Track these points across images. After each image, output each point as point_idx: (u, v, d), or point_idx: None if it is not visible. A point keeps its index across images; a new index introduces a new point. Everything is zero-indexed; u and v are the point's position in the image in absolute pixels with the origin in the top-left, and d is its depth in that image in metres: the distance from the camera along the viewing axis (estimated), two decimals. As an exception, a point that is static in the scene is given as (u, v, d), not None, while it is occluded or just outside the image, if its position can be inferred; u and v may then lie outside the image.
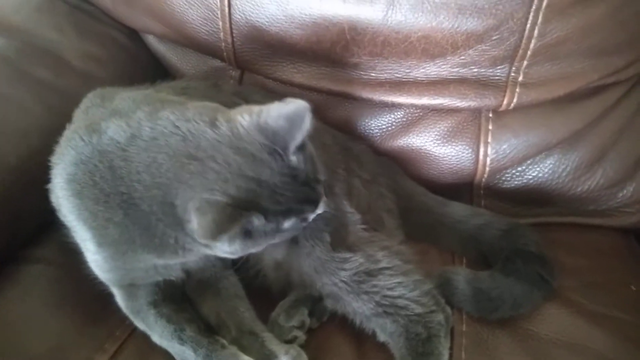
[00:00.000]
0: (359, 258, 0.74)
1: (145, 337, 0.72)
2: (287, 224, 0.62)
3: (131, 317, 0.73)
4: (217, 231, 0.56)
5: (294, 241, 0.76)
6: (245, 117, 0.60)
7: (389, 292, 0.72)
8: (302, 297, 0.76)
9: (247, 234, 0.59)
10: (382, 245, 0.77)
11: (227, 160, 0.58)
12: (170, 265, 0.69)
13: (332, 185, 0.81)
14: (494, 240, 0.82)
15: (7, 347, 0.70)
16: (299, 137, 0.60)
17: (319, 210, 0.65)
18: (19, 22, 0.96)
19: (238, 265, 0.78)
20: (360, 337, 0.73)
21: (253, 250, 0.63)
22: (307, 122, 0.60)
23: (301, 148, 0.62)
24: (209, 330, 0.71)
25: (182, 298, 0.75)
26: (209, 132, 0.59)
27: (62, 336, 0.72)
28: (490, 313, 0.73)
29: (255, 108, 0.61)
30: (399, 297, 0.71)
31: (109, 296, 0.74)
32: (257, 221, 0.59)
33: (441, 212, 0.88)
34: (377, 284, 0.72)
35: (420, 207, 0.90)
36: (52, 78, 0.90)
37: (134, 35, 1.09)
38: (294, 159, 0.60)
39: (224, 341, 0.68)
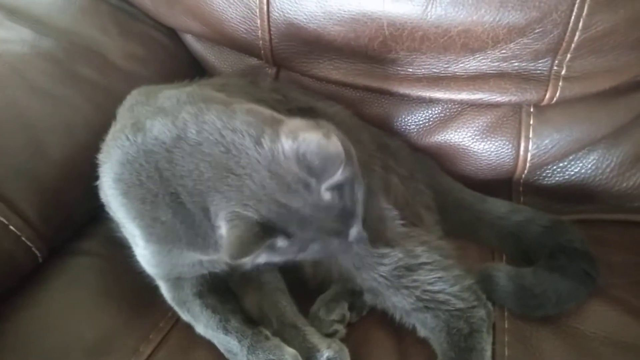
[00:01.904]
0: (398, 253, 0.73)
1: (188, 329, 0.74)
2: (313, 247, 0.62)
3: (177, 308, 0.74)
4: (242, 251, 0.57)
5: None
6: (289, 142, 0.59)
7: (429, 287, 0.71)
8: (342, 291, 0.77)
9: (271, 249, 0.60)
10: (421, 240, 0.77)
11: (263, 182, 0.58)
12: (215, 260, 0.71)
13: (368, 182, 0.81)
14: (536, 237, 0.81)
15: (54, 336, 0.73)
16: (333, 178, 0.59)
17: (352, 239, 0.64)
18: (65, 24, 0.99)
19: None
20: (400, 332, 0.72)
21: (274, 260, 0.63)
22: (340, 170, 0.59)
23: (339, 187, 0.60)
24: (252, 323, 0.72)
25: (226, 290, 0.76)
26: (252, 149, 0.59)
27: (108, 326, 0.75)
28: (534, 310, 0.72)
29: (300, 132, 0.59)
30: (440, 292, 0.71)
31: (153, 289, 0.76)
32: (281, 243, 0.59)
33: (480, 209, 0.87)
34: (417, 278, 0.72)
35: (458, 203, 0.89)
36: (98, 77, 0.93)
37: (173, 35, 1.12)
38: (327, 194, 0.59)
39: (268, 332, 0.69)
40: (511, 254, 0.84)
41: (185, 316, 0.74)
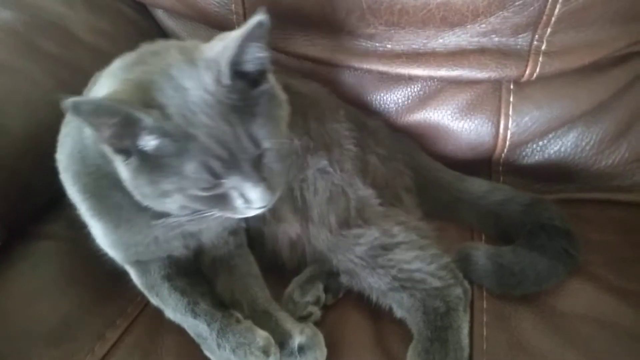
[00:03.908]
0: (374, 232, 0.72)
1: (157, 315, 0.71)
2: (190, 165, 0.53)
3: (146, 292, 0.72)
4: (81, 103, 0.50)
5: (305, 219, 0.74)
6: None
7: (406, 266, 0.69)
8: (317, 273, 0.75)
9: (141, 154, 0.54)
10: (399, 220, 0.75)
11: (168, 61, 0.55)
12: (171, 238, 0.68)
13: (340, 161, 0.78)
14: (516, 216, 0.79)
15: (16, 321, 0.70)
16: (244, 53, 0.54)
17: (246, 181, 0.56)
18: (27, -4, 0.94)
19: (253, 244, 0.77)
20: (377, 313, 0.71)
21: (156, 193, 0.56)
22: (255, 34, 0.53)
23: (253, 77, 0.56)
24: (223, 306, 0.70)
25: (196, 273, 0.74)
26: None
27: (72, 311, 0.72)
28: (513, 288, 0.70)
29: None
30: (416, 270, 0.69)
31: (120, 274, 0.73)
32: (151, 122, 0.51)
33: (459, 188, 0.85)
34: (392, 257, 0.70)
35: (437, 183, 0.87)
36: (60, 51, 0.89)
37: (143, 10, 1.07)
38: (228, 82, 0.54)
39: (239, 315, 0.67)
40: (490, 234, 0.82)
41: (154, 300, 0.71)
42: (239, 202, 0.58)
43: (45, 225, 0.82)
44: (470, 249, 0.75)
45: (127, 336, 0.70)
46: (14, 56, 0.84)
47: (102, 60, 0.94)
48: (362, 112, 0.90)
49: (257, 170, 0.56)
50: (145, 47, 0.62)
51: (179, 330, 0.69)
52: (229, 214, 0.60)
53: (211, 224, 0.70)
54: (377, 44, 0.88)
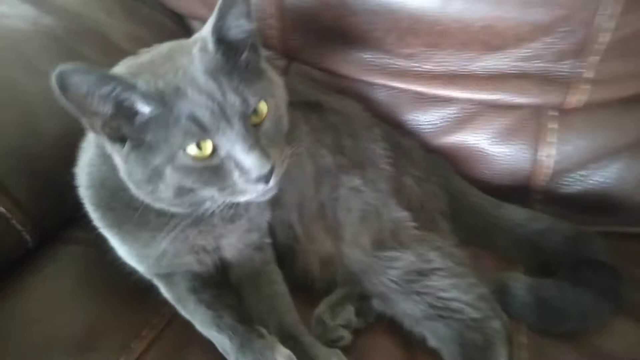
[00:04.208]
0: (410, 256, 0.69)
1: (184, 327, 0.69)
2: (179, 124, 0.53)
3: (175, 305, 0.70)
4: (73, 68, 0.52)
5: (337, 238, 0.73)
6: None
7: (442, 294, 0.67)
8: (349, 295, 0.72)
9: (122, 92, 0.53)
10: (435, 245, 0.72)
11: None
12: (181, 253, 0.67)
13: (375, 180, 0.77)
14: (558, 247, 0.76)
15: (41, 327, 0.68)
16: (226, 21, 0.56)
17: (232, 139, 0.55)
18: (70, 3, 0.95)
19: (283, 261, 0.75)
20: (409, 341, 0.68)
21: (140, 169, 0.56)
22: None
23: (238, 45, 0.57)
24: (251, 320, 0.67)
25: (224, 284, 0.72)
26: None
27: (98, 320, 0.70)
28: (556, 325, 0.67)
29: None
30: (453, 299, 0.67)
31: (147, 284, 0.72)
32: (139, 83, 0.53)
33: (496, 215, 0.83)
34: (429, 284, 0.67)
35: (473, 208, 0.84)
36: (99, 58, 0.89)
37: (180, 21, 1.08)
38: (211, 47, 0.56)
39: (264, 330, 0.64)
40: (529, 264, 0.79)
41: (183, 313, 0.70)
42: (235, 175, 0.56)
43: (75, 231, 0.81)
44: (508, 280, 0.72)
45: (153, 348, 0.67)
46: (54, 62, 0.84)
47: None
48: (397, 131, 0.89)
49: (250, 133, 0.55)
50: (142, 50, 0.64)
51: (207, 345, 0.66)
52: (228, 195, 0.58)
53: (231, 240, 0.69)
54: (414, 64, 0.87)
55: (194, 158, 0.54)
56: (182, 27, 1.08)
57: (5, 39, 0.82)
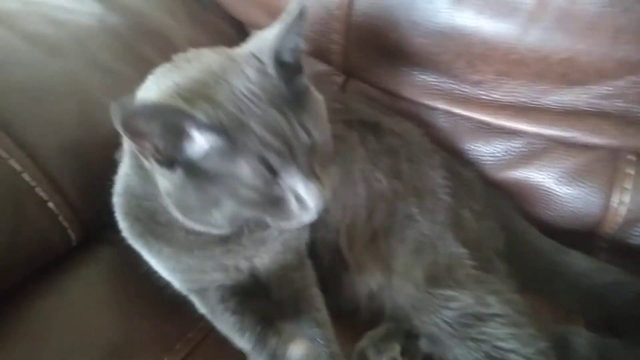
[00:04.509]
0: (467, 298, 0.64)
1: (218, 343, 0.66)
2: (245, 162, 0.50)
3: (210, 319, 0.68)
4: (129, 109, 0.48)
5: (388, 269, 0.68)
6: None
7: (501, 344, 0.62)
8: (395, 331, 0.68)
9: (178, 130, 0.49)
10: (493, 288, 0.67)
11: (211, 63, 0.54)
12: (208, 269, 0.64)
13: (432, 211, 0.72)
14: (627, 304, 0.70)
15: (75, 330, 0.67)
16: (285, 42, 0.52)
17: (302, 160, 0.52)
18: (136, 3, 0.95)
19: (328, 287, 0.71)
20: (457, 389, 0.63)
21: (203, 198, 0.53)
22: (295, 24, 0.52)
23: (292, 68, 0.54)
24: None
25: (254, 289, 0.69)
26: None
27: (132, 329, 0.68)
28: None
29: None
30: (512, 351, 0.61)
31: (184, 296, 0.69)
32: (202, 116, 0.48)
33: (559, 261, 0.77)
34: (487, 331, 0.62)
35: (533, 251, 0.79)
36: (159, 60, 0.87)
37: (240, 29, 1.07)
38: (272, 71, 0.52)
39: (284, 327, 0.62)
40: (591, 317, 0.73)
41: (216, 324, 0.67)
42: (292, 205, 0.53)
43: (117, 234, 0.80)
44: (570, 334, 0.66)
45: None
46: (116, 59, 0.84)
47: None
48: (456, 160, 0.84)
49: (311, 167, 0.53)
50: (178, 56, 0.60)
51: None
52: (280, 221, 0.55)
53: (264, 260, 0.66)
54: (481, 92, 0.83)
55: (258, 192, 0.52)
56: (241, 35, 1.06)
57: (71, 34, 0.82)
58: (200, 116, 0.48)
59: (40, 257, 0.70)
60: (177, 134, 0.49)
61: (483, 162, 0.87)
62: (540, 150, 0.83)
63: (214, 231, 0.58)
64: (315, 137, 0.53)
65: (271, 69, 0.52)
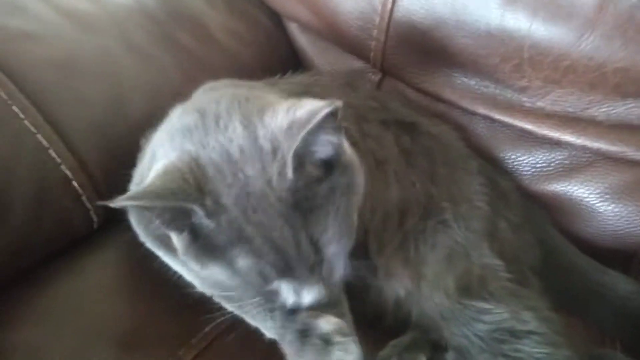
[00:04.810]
0: (502, 312, 0.61)
1: (237, 341, 0.63)
2: (241, 262, 0.48)
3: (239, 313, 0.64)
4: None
5: (417, 275, 0.65)
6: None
7: (536, 364, 0.58)
8: (420, 341, 0.65)
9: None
10: (529, 304, 0.63)
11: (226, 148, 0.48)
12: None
13: (467, 218, 0.69)
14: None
15: (90, 314, 0.65)
16: (311, 145, 0.46)
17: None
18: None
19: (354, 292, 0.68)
20: (485, 409, 0.59)
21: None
22: (320, 133, 0.46)
23: (321, 168, 0.49)
24: None
25: None
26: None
27: (148, 319, 0.66)
28: None
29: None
30: (547, 372, 0.58)
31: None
32: (200, 212, 0.46)
33: (598, 281, 0.73)
34: (521, 349, 0.59)
35: (571, 269, 0.75)
36: (195, 45, 0.87)
37: (278, 21, 1.05)
38: (291, 175, 0.46)
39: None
40: (629, 343, 0.69)
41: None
42: (290, 298, 0.51)
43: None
44: (606, 358, 0.62)
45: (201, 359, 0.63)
46: (150, 43, 0.83)
47: (231, 62, 0.92)
48: (493, 168, 0.81)
49: (314, 272, 0.49)
50: (207, 100, 0.55)
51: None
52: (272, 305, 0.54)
53: None
54: (525, 99, 0.79)
55: (250, 286, 0.50)
56: (278, 26, 1.05)
57: (108, 12, 0.81)
58: (201, 212, 0.46)
59: (62, 236, 0.69)
60: (182, 215, 0.47)
61: (522, 172, 0.83)
62: (584, 163, 0.79)
63: None
64: (325, 251, 0.49)
65: (290, 173, 0.46)
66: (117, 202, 0.45)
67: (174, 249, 0.58)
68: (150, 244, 0.64)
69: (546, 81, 0.75)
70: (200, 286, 0.64)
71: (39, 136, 0.65)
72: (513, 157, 0.83)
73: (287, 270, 0.48)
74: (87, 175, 0.69)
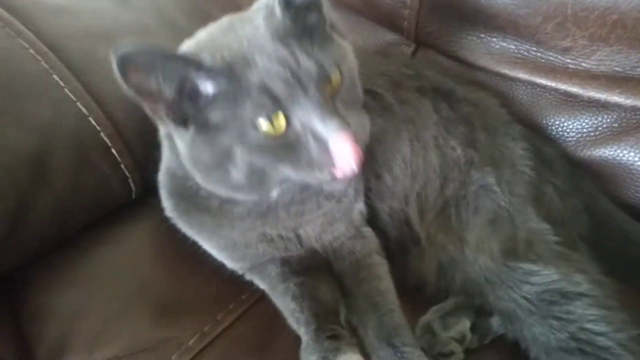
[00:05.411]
0: (552, 273, 0.58)
1: (274, 308, 0.63)
2: (250, 97, 0.48)
3: (270, 295, 0.65)
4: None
5: (460, 240, 0.63)
6: None
7: (589, 325, 0.55)
8: (464, 306, 0.63)
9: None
10: (580, 267, 0.60)
11: None
12: (252, 242, 0.62)
13: (511, 182, 0.66)
14: None
15: (131, 280, 0.67)
16: None
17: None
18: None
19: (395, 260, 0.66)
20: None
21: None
22: None
23: (304, 6, 0.52)
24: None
25: (319, 269, 0.65)
26: None
27: (186, 286, 0.67)
28: None
29: None
30: (602, 334, 0.54)
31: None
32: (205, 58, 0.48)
33: (653, 248, 0.68)
34: (573, 310, 0.56)
35: (622, 236, 0.70)
36: (227, 19, 0.87)
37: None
38: (279, 14, 0.50)
39: (341, 331, 0.58)
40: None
41: (276, 303, 0.64)
42: (313, 149, 0.48)
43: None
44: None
45: (240, 323, 0.63)
46: (184, 16, 0.84)
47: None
48: (537, 135, 0.77)
49: (327, 101, 0.48)
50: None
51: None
52: (305, 174, 0.50)
53: (309, 232, 0.63)
54: (569, 60, 0.75)
55: (267, 134, 0.48)
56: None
57: (143, -11, 0.82)
58: (204, 58, 0.48)
59: (103, 202, 0.70)
60: (183, 82, 0.48)
61: (567, 138, 0.79)
62: (634, 125, 0.74)
63: (239, 195, 0.55)
64: (327, 67, 0.49)
65: (277, 10, 0.51)
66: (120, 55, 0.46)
67: (204, 215, 0.60)
68: (180, 220, 0.64)
69: (592, 39, 0.71)
70: (230, 259, 0.65)
71: (79, 104, 0.67)
72: (557, 122, 0.79)
73: (295, 84, 0.48)
74: (125, 144, 0.70)
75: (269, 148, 0.49)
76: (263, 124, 0.48)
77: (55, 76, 0.66)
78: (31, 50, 0.66)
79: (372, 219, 0.68)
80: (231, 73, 0.48)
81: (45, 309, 0.63)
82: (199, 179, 0.54)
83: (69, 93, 0.66)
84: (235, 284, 0.67)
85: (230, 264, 0.66)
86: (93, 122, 0.67)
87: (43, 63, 0.66)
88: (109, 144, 0.68)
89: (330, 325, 0.59)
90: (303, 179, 0.51)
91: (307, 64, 0.49)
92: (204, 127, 0.49)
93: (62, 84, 0.66)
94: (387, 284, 0.63)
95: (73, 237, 0.69)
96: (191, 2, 0.87)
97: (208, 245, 0.65)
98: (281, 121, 0.48)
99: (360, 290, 0.63)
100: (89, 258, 0.68)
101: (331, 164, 0.48)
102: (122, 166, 0.70)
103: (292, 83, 0.48)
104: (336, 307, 0.62)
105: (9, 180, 0.62)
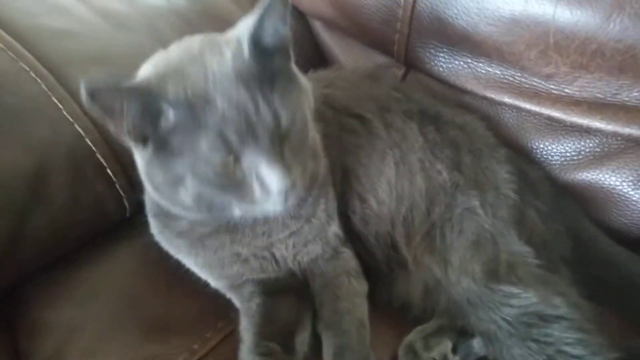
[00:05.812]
0: (531, 296, 0.60)
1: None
2: (205, 138, 0.50)
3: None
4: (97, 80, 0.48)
5: (444, 262, 0.65)
6: None
7: (567, 348, 0.56)
8: (447, 327, 0.64)
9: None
10: (559, 290, 0.62)
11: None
12: (223, 263, 0.64)
13: (494, 205, 0.68)
14: None
15: (123, 296, 0.69)
16: (264, 25, 0.52)
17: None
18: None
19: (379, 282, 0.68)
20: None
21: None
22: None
23: (272, 51, 0.53)
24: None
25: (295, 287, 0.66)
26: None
27: (177, 304, 0.68)
28: None
29: None
30: (579, 357, 0.56)
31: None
32: (169, 88, 0.50)
33: (632, 272, 0.70)
34: (551, 333, 0.57)
35: (604, 260, 0.72)
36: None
37: (302, 19, 1.08)
38: (247, 55, 0.52)
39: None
40: (667, 336, 0.66)
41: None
42: (256, 189, 0.52)
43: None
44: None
45: (227, 342, 0.64)
46: (179, 37, 0.86)
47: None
48: (522, 158, 0.79)
49: (276, 149, 0.51)
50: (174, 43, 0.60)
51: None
52: (246, 206, 0.54)
53: (283, 252, 0.65)
54: (552, 86, 0.77)
55: (217, 172, 0.51)
56: (303, 27, 1.07)
57: (140, 12, 0.86)
58: (168, 93, 0.50)
59: (98, 220, 0.72)
60: (147, 109, 0.50)
61: (551, 161, 0.81)
62: (615, 150, 0.77)
63: (188, 214, 0.58)
64: (282, 120, 0.52)
65: (246, 52, 0.52)
66: (88, 87, 0.47)
67: (176, 236, 0.63)
68: (160, 240, 0.67)
69: (573, 67, 0.74)
70: (210, 277, 0.66)
71: (76, 125, 0.69)
72: (541, 146, 0.82)
73: (249, 134, 0.50)
74: (120, 164, 0.72)
75: (218, 182, 0.52)
76: (214, 163, 0.51)
77: (54, 98, 0.68)
78: (32, 73, 0.68)
79: (359, 242, 0.70)
80: (192, 110, 0.50)
81: (41, 325, 0.65)
82: (153, 194, 0.57)
83: (67, 115, 0.68)
84: (223, 302, 0.68)
85: (212, 282, 0.68)
86: (89, 142, 0.69)
87: (42, 85, 0.68)
88: (105, 164, 0.70)
89: (266, 342, 0.59)
90: (243, 210, 0.55)
91: (266, 114, 0.51)
92: (162, 149, 0.52)
93: (60, 105, 0.68)
94: (346, 305, 0.63)
95: (69, 254, 0.70)
96: (188, 25, 0.89)
97: (190, 264, 0.67)
98: (231, 162, 0.51)
99: (322, 310, 0.64)
100: (84, 275, 0.70)
101: (268, 202, 0.53)
102: (117, 186, 0.72)
103: (246, 132, 0.50)
104: (292, 328, 0.63)
105: (6, 198, 0.64)
